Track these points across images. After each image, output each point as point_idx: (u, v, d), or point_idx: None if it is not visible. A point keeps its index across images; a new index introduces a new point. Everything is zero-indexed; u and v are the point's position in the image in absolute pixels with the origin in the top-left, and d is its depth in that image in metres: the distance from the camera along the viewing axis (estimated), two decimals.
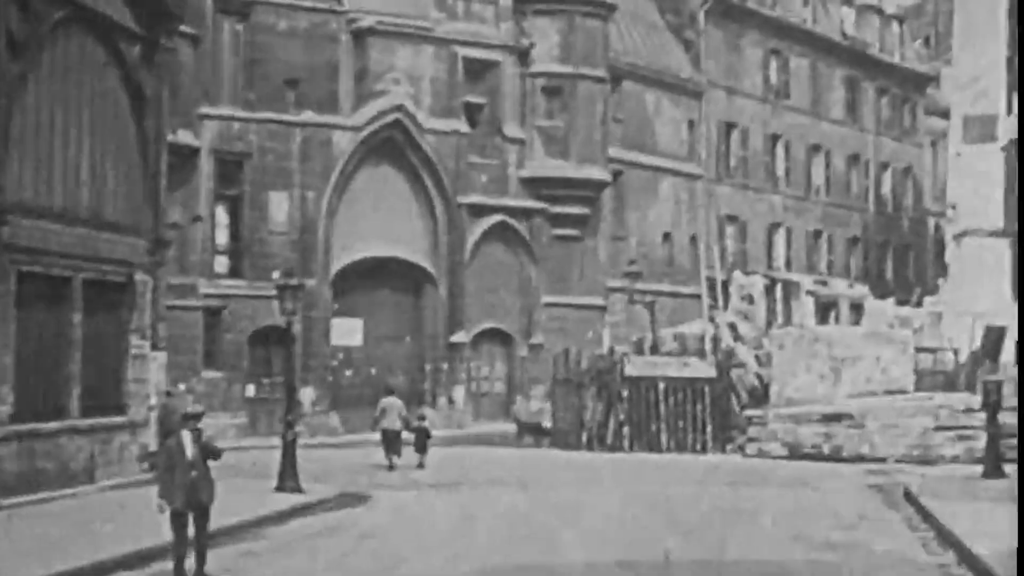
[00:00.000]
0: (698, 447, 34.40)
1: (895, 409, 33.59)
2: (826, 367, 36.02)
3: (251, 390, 41.29)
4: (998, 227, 57.84)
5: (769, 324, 46.11)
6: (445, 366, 44.49)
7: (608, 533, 20.29)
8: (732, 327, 40.18)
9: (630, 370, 34.78)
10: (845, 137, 62.72)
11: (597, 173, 47.18)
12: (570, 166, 46.50)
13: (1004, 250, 57.63)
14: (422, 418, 32.81)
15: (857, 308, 50.33)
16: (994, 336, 36.84)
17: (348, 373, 43.56)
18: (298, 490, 24.74)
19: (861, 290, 50.90)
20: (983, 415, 32.79)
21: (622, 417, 34.85)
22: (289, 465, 25.12)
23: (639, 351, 36.43)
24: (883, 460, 32.33)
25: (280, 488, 24.83)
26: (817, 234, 60.55)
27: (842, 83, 62.66)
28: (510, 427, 44.34)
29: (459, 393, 44.53)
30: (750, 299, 45.83)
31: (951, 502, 22.21)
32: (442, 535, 20.35)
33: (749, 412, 34.48)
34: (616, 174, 49.05)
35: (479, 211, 45.15)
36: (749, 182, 56.57)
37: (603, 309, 48.39)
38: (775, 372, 36.27)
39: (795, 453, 32.97)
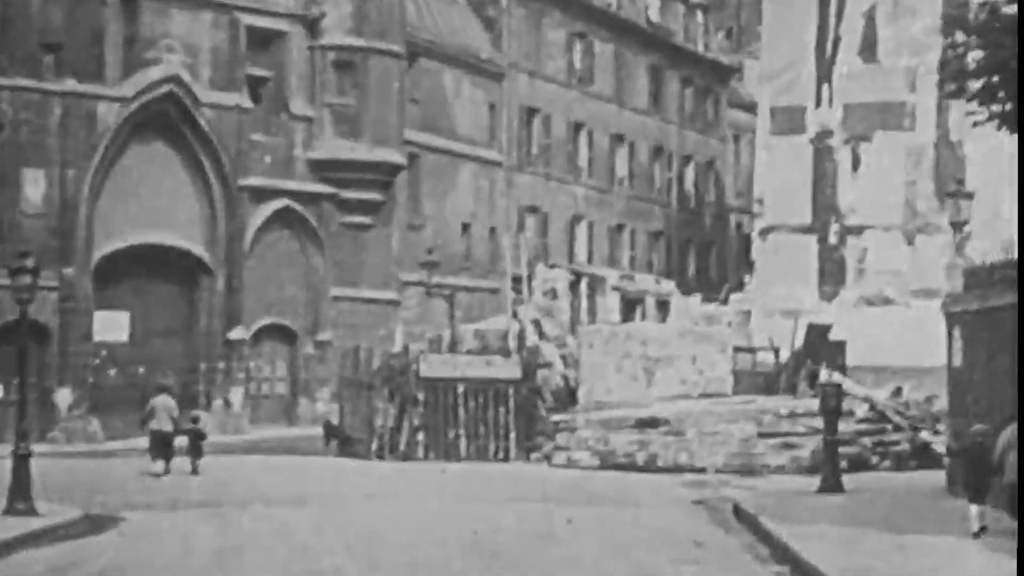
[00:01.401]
0: (501, 455, 31.16)
1: (714, 414, 30.85)
2: (639, 367, 33.17)
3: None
4: (805, 223, 56.19)
5: (574, 322, 43.22)
6: (221, 365, 40.45)
7: (403, 569, 16.80)
8: (537, 324, 37.08)
9: (426, 370, 31.36)
10: (649, 128, 60.36)
11: (391, 156, 43.64)
12: (362, 148, 42.86)
13: (811, 246, 55.94)
14: (195, 419, 29.42)
15: (663, 305, 47.82)
16: (817, 335, 34.42)
17: (112, 373, 39.21)
18: (32, 512, 20.74)
19: (668, 286, 48.40)
20: (811, 421, 30.28)
21: (417, 422, 31.42)
22: (21, 482, 21.08)
23: (436, 349, 33.01)
24: (703, 471, 29.55)
25: (9, 510, 20.78)
26: (620, 228, 58.00)
27: (646, 71, 60.27)
28: (293, 432, 40.53)
29: (237, 395, 40.53)
30: (554, 294, 42.83)
31: (796, 525, 19.27)
32: None
33: (556, 417, 31.38)
34: (412, 158, 45.58)
35: (262, 195, 41.22)
36: (551, 171, 53.68)
37: (397, 304, 44.88)
38: (583, 373, 33.27)
39: (607, 463, 29.96)
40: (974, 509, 18.53)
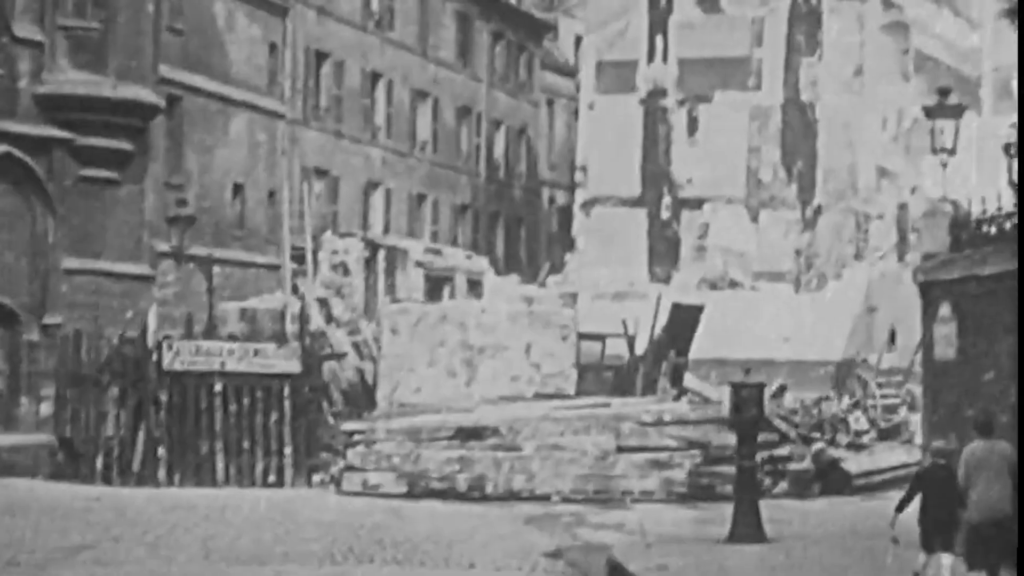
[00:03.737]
0: (272, 478, 23.19)
1: (557, 421, 23.36)
2: (457, 359, 25.58)
3: None
4: (634, 194, 49.27)
5: (369, 303, 35.35)
6: None
7: None
8: (324, 304, 29.14)
9: (171, 361, 23.19)
10: (456, 85, 52.68)
11: (144, 95, 35.00)
12: (106, 83, 34.10)
13: (641, 221, 49.03)
14: None
15: (475, 286, 40.20)
16: (684, 319, 27.16)
17: None
18: None
19: (480, 263, 40.80)
20: (683, 431, 23.10)
21: (158, 432, 23.22)
22: None
23: (188, 334, 24.69)
24: (546, 499, 22.12)
25: None
26: (421, 198, 50.20)
27: (454, 19, 52.53)
28: (9, 440, 31.75)
29: None
30: (344, 269, 34.89)
31: None
32: None
33: (348, 425, 23.49)
34: (172, 101, 37.02)
35: None
36: (343, 128, 45.57)
37: (150, 280, 36.27)
38: (384, 366, 25.52)
39: (417, 488, 22.26)
40: (938, 560, 11.98)
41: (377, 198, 47.53)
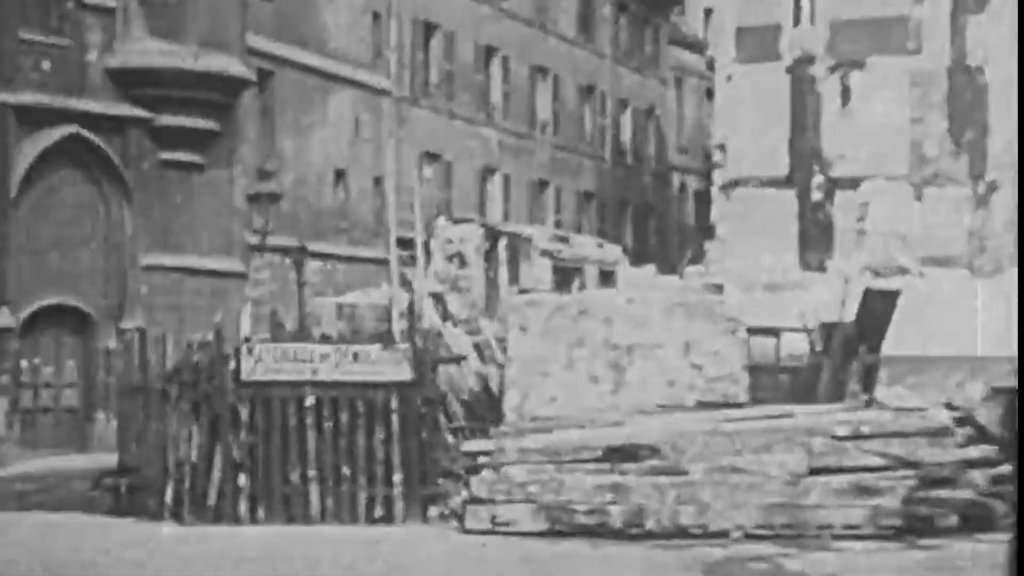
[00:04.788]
0: (379, 512, 18.66)
1: (731, 436, 18.60)
2: (601, 361, 20.88)
3: None
4: (781, 174, 44.37)
5: (490, 298, 30.91)
6: None
7: None
8: (438, 299, 24.68)
9: (253, 370, 18.78)
10: (578, 61, 48.10)
11: (230, 67, 30.90)
12: (187, 53, 30.09)
13: (790, 204, 44.08)
14: None
15: (607, 277, 35.57)
16: (877, 307, 22.25)
17: None
18: None
19: (613, 252, 36.12)
20: (889, 446, 18.35)
21: (238, 457, 18.82)
22: None
23: (276, 336, 20.23)
24: (723, 535, 17.42)
25: None
26: (542, 185, 45.68)
27: None
28: (84, 462, 27.76)
29: None
30: (461, 260, 30.40)
31: None
32: None
33: (471, 445, 18.90)
34: (262, 75, 32.93)
35: (37, 118, 28.37)
36: (455, 108, 41.18)
37: (242, 277, 32.16)
38: (512, 371, 20.88)
39: (560, 525, 17.63)
40: None
41: (495, 185, 43.07)
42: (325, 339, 19.50)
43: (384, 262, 36.42)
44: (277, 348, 18.95)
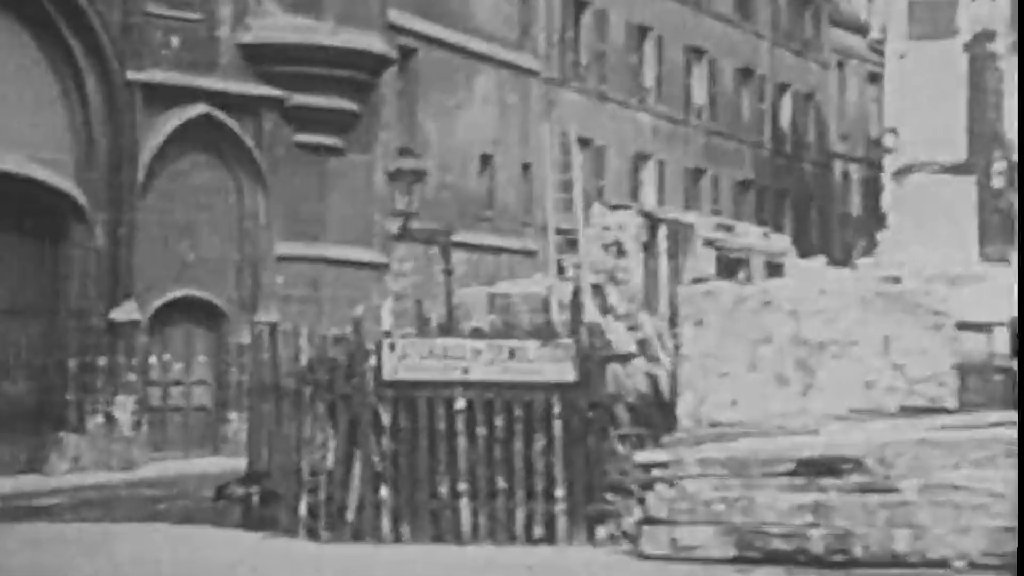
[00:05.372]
0: (538, 531, 16.25)
1: (945, 448, 15.89)
2: (789, 359, 18.22)
3: None
4: (959, 159, 41.13)
5: (649, 291, 28.36)
6: (102, 362, 25.84)
7: None
8: (597, 290, 22.24)
9: (396, 368, 16.53)
10: (735, 42, 45.34)
11: (371, 43, 28.84)
12: (325, 28, 28.08)
13: (969, 191, 40.78)
14: None
15: (775, 269, 32.82)
16: None
17: None
18: None
19: (781, 242, 33.40)
20: None
21: (379, 466, 16.58)
22: None
23: (421, 331, 17.97)
24: (944, 565, 14.76)
25: None
26: (698, 172, 43.03)
27: None
28: (216, 465, 25.93)
29: (125, 408, 25.92)
30: (619, 249, 27.91)
31: None
32: None
33: (643, 456, 16.41)
34: (405, 54, 30.83)
35: (167, 97, 26.68)
36: (607, 90, 38.73)
37: (383, 268, 30.07)
38: (687, 370, 18.31)
39: (750, 551, 15.10)
40: None
41: (648, 172, 40.54)
42: (477, 333, 17.17)
43: (530, 254, 34.18)
44: (424, 343, 16.68)
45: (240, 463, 25.40)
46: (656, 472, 16.03)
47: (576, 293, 17.90)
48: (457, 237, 31.11)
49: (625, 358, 17.77)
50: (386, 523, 16.40)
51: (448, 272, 22.36)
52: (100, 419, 25.79)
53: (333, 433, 16.94)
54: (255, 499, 18.29)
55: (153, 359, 26.85)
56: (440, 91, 32.21)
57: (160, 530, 18.48)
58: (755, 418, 17.79)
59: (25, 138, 25.26)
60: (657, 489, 15.69)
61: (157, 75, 26.48)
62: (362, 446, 16.65)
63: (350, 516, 16.59)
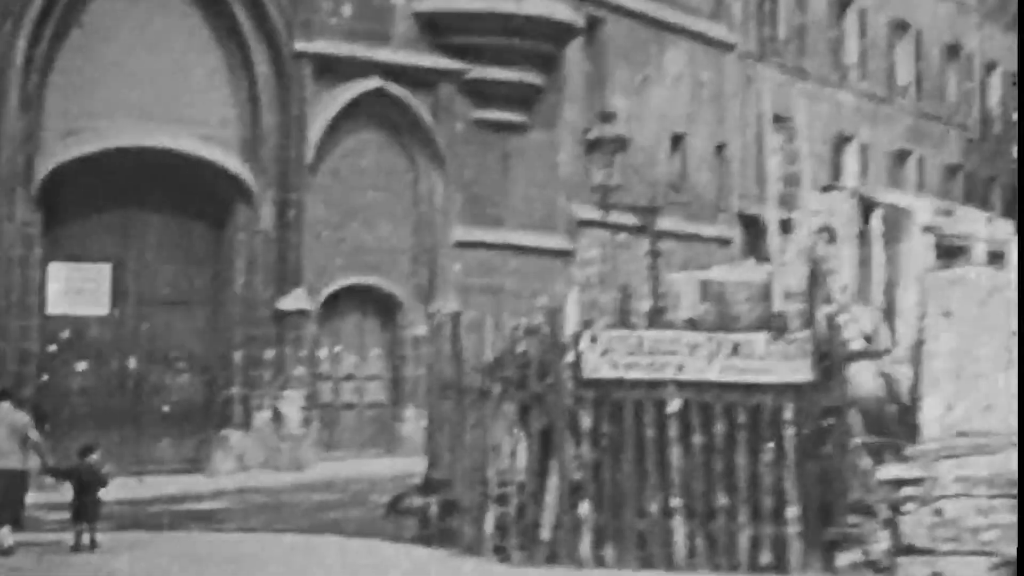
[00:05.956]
0: (765, 558, 13.78)
1: None
2: None
3: None
4: None
5: (863, 282, 25.55)
6: (269, 355, 24.05)
7: None
8: (815, 279, 19.62)
9: (598, 365, 14.22)
10: (940, 17, 42.10)
11: (558, 12, 26.63)
12: None
13: None
14: (86, 450, 15.59)
15: (996, 258, 29.71)
16: None
17: (80, 368, 23.11)
18: None
19: (1003, 228, 30.20)
20: None
21: (579, 477, 14.30)
22: None
23: (624, 321, 15.58)
24: None
25: None
26: (903, 155, 39.96)
27: None
28: (390, 466, 23.98)
29: (293, 404, 24.10)
30: (830, 236, 25.16)
31: None
32: None
33: (889, 471, 13.88)
34: (592, 24, 28.54)
35: (338, 70, 24.79)
36: (806, 66, 35.97)
37: (568, 255, 27.85)
38: (933, 370, 15.64)
39: None
40: None
41: (850, 155, 37.66)
42: (692, 325, 14.78)
43: (726, 243, 31.64)
44: (630, 337, 14.33)
45: (416, 464, 23.45)
46: (907, 490, 13.51)
47: (813, 277, 15.37)
48: (623, 220, 28.79)
49: (874, 355, 15.19)
50: (586, 544, 14.11)
51: (655, 254, 20.01)
52: (267, 415, 24.01)
53: (525, 438, 14.71)
54: (434, 510, 16.18)
55: (323, 352, 24.99)
56: (629, 65, 29.83)
57: (331, 543, 16.50)
58: (1013, 426, 15.09)
59: (189, 115, 23.60)
60: (913, 512, 13.17)
61: (327, 46, 24.60)
62: (558, 454, 14.38)
63: (545, 535, 14.34)
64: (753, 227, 32.82)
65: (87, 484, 15.23)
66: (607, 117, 22.23)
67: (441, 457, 16.84)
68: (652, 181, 30.35)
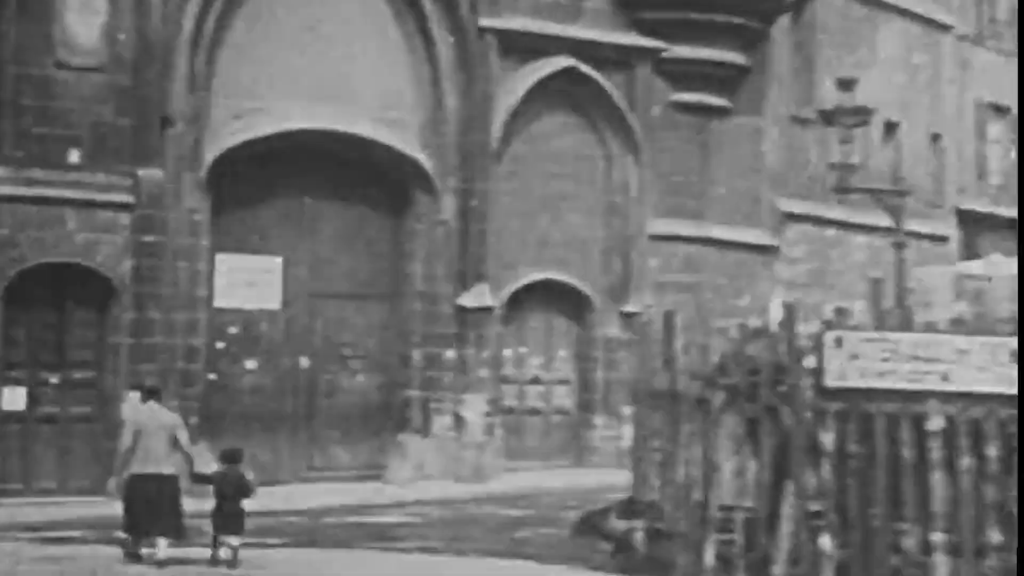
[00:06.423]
0: None
1: None
2: None
3: (16, 397, 19.46)
4: None
5: None
6: (450, 354, 22.24)
7: None
8: None
9: (844, 371, 11.98)
10: None
11: None
12: None
13: None
14: (232, 456, 14.18)
15: None
16: None
17: (250, 365, 21.58)
18: None
19: None
20: None
21: (820, 505, 12.08)
22: None
23: (883, 321, 13.22)
24: None
25: None
26: None
27: None
28: (580, 480, 22.10)
29: (476, 408, 22.28)
30: None
31: None
32: None
33: None
34: (800, 0, 26.24)
35: (525, 48, 22.89)
36: None
37: (773, 251, 25.58)
38: None
39: None
40: None
41: None
42: (959, 326, 12.47)
43: (942, 240, 29.09)
44: (884, 340, 12.08)
45: (607, 478, 21.59)
46: None
47: None
48: (856, 219, 26.47)
49: None
50: None
51: (900, 245, 17.70)
52: (447, 421, 22.20)
53: (753, 456, 12.57)
54: (640, 536, 14.12)
55: (507, 352, 23.11)
56: (839, 45, 27.41)
57: (521, 569, 14.58)
58: None
59: (364, 96, 21.94)
60: None
61: (514, 22, 22.72)
62: (795, 476, 12.20)
63: (777, 571, 12.18)
64: (970, 223, 30.24)
65: (231, 493, 13.65)
66: (846, 84, 19.88)
67: (647, 475, 14.80)
68: (863, 172, 27.89)
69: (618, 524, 14.52)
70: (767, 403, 12.42)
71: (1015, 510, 11.57)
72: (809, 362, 12.28)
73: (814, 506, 12.12)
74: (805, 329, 12.51)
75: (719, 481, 12.81)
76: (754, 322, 13.92)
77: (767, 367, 12.54)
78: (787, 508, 12.23)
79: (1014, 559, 11.53)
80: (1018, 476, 11.01)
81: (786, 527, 12.21)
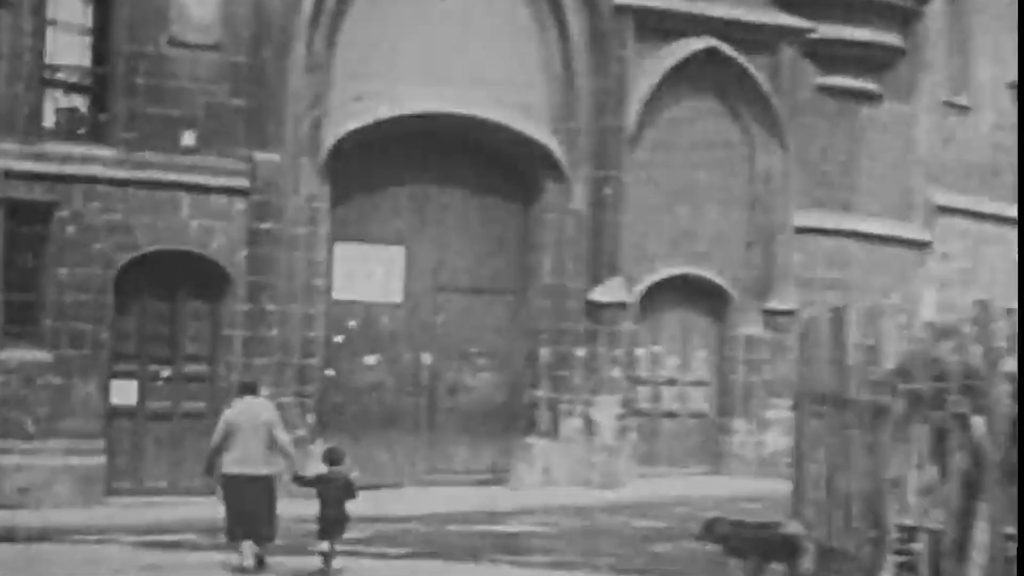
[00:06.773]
0: None
1: None
2: None
3: (126, 391, 18.50)
4: None
5: None
6: (580, 352, 20.95)
7: None
8: None
9: None
10: None
11: None
12: None
13: None
14: (334, 457, 13.28)
15: None
16: None
17: (369, 361, 20.45)
18: None
19: None
20: None
21: (1011, 528, 10.54)
22: None
23: None
24: None
25: None
26: None
27: None
28: (718, 487, 20.72)
29: (607, 410, 20.94)
30: None
31: None
32: None
33: None
34: None
35: (663, 28, 21.53)
36: None
37: (925, 247, 23.94)
38: None
39: None
40: None
41: None
42: None
43: None
44: None
45: (746, 485, 20.25)
46: None
47: None
48: (1013, 212, 24.71)
49: None
50: None
51: None
52: (577, 423, 20.91)
53: (939, 473, 11.09)
54: (806, 553, 12.69)
55: (641, 351, 21.77)
56: (997, 27, 25.67)
57: None
58: None
59: (491, 78, 20.70)
60: None
61: (651, 0, 21.32)
62: (989, 496, 10.70)
63: None
64: None
65: (334, 497, 12.55)
66: None
67: (808, 487, 13.39)
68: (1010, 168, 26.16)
69: (776, 539, 13.05)
70: (957, 413, 10.93)
71: None
72: (1007, 366, 10.78)
73: (1010, 529, 10.62)
74: (1001, 328, 11.02)
75: (897, 498, 11.36)
76: (934, 322, 12.45)
77: (957, 371, 11.04)
78: (980, 532, 10.73)
79: None
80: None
81: (980, 554, 10.70)
